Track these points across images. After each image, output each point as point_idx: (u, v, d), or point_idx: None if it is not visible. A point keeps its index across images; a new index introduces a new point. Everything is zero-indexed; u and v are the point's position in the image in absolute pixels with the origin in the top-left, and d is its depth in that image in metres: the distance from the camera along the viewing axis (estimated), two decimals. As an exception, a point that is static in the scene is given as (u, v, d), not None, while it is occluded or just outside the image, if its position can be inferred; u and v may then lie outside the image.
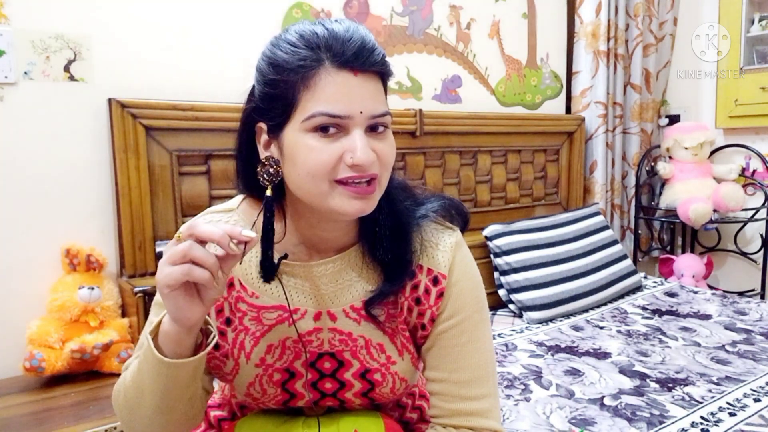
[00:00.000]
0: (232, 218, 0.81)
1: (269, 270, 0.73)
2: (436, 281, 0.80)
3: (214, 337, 0.71)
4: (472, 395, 0.79)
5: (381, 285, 0.79)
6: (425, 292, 0.80)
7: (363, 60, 0.67)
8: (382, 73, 0.72)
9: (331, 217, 0.74)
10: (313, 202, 0.71)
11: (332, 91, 0.67)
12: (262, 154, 0.74)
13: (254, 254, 0.77)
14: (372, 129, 0.70)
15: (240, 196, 0.84)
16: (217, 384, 0.98)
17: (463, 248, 0.84)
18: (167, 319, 0.68)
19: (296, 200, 0.75)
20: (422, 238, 0.81)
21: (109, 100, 1.58)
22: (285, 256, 0.76)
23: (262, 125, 0.73)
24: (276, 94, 0.70)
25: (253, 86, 0.75)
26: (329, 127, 0.67)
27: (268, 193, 0.72)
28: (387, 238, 0.77)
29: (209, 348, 0.71)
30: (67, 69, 1.56)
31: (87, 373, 1.49)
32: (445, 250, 0.81)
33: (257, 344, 0.80)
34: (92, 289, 1.51)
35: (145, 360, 0.70)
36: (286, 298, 0.78)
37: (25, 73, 1.51)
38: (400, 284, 0.79)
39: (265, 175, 0.72)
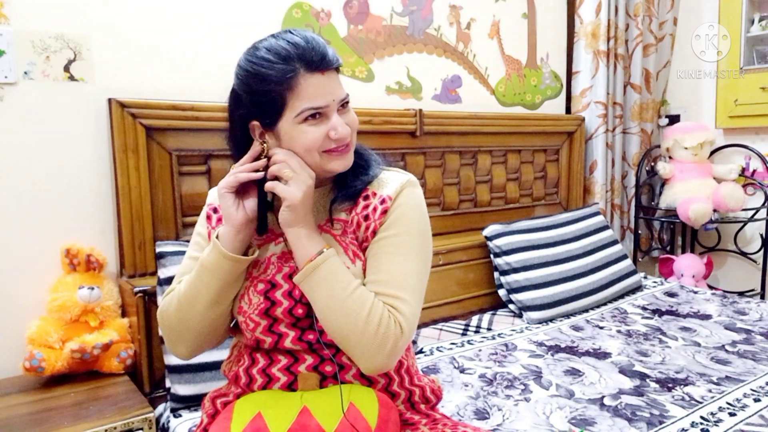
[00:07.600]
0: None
1: (263, 227, 0.96)
2: (383, 202, 0.97)
3: (254, 251, 0.96)
4: (388, 293, 0.92)
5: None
6: (373, 210, 0.97)
7: (326, 63, 0.91)
8: (337, 67, 0.95)
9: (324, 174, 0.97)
10: (310, 167, 0.94)
11: (312, 90, 0.90)
12: (258, 140, 0.95)
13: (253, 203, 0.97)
14: (341, 107, 0.94)
15: None
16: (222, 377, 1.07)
17: (416, 188, 1.01)
18: (222, 228, 0.94)
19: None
20: (379, 176, 1.01)
21: (109, 100, 1.58)
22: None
23: (256, 123, 0.94)
24: (267, 101, 0.91)
25: (237, 94, 0.94)
26: (316, 115, 0.91)
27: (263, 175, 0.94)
28: (354, 169, 0.99)
29: (254, 256, 0.96)
30: (67, 69, 1.56)
31: (87, 373, 1.50)
32: (395, 183, 0.99)
33: None
34: (92, 289, 1.52)
35: (206, 261, 0.94)
36: (278, 223, 0.95)
37: (25, 73, 1.51)
38: (359, 187, 0.98)
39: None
